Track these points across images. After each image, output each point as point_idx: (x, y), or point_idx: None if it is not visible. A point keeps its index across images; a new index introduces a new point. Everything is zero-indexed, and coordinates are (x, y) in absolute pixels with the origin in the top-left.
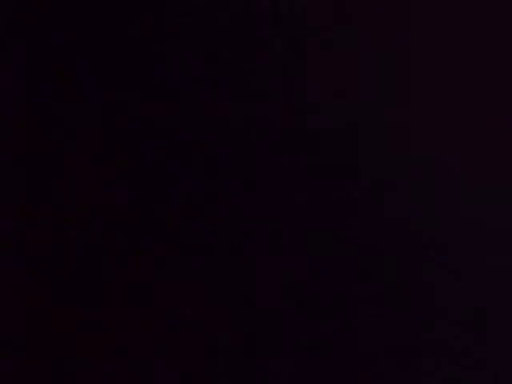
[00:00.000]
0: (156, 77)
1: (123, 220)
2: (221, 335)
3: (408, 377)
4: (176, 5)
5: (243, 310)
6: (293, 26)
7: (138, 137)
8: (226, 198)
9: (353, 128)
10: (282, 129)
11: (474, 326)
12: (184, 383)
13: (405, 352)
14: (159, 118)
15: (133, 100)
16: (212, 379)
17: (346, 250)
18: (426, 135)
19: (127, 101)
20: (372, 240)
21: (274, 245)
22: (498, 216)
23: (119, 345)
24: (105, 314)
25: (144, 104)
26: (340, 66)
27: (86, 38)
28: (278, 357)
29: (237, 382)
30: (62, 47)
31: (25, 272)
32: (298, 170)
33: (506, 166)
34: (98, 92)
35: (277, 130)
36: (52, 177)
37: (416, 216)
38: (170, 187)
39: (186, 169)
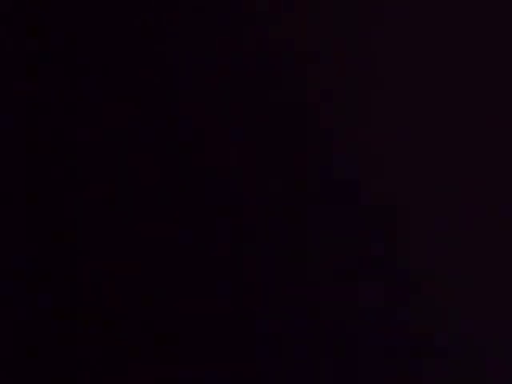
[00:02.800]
0: (156, 77)
1: (124, 221)
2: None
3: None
4: (176, 5)
5: (242, 310)
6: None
7: (137, 137)
8: (223, 199)
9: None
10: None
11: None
12: None
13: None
14: (159, 118)
15: (132, 100)
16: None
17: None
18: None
19: (127, 101)
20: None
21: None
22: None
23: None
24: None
25: (143, 104)
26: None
27: (86, 38)
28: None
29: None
30: (62, 47)
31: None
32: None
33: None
34: (98, 93)
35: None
36: (52, 177)
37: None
38: (168, 187)
39: (185, 169)
